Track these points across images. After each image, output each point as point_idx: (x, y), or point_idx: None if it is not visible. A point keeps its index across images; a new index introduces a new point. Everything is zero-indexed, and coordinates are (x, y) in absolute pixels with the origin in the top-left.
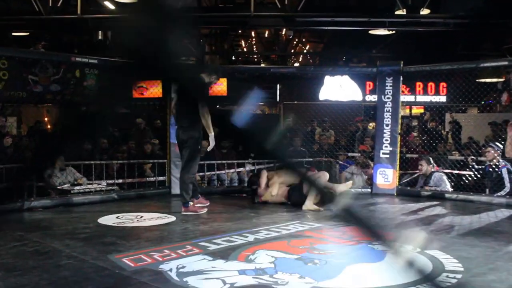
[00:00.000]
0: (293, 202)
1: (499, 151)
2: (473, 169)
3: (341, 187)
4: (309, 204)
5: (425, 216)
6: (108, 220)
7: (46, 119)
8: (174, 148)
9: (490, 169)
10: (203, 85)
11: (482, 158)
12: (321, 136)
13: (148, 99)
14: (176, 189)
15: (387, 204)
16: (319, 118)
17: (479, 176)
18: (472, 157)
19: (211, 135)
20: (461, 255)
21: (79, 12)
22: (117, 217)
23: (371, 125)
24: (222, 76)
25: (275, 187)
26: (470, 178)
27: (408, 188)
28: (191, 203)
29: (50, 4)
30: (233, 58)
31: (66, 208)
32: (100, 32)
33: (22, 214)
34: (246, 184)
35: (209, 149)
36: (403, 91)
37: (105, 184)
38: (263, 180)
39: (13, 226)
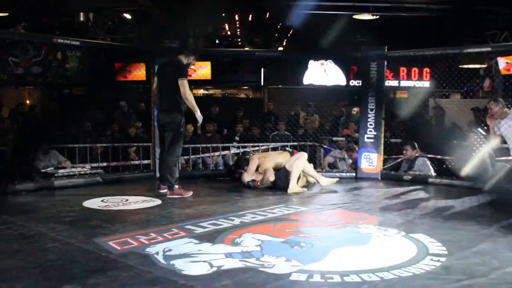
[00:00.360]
0: (279, 186)
1: (482, 136)
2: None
3: (324, 180)
4: (293, 186)
5: (409, 200)
6: (93, 203)
7: (27, 101)
8: (158, 131)
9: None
10: (181, 66)
11: (466, 143)
12: (305, 120)
13: (132, 82)
14: None
15: (372, 188)
16: (303, 102)
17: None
18: (455, 141)
19: (197, 113)
20: (445, 239)
21: None
22: (102, 201)
23: (355, 109)
24: (206, 59)
25: (271, 172)
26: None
27: (392, 172)
28: (176, 186)
29: None
30: (217, 41)
31: (50, 192)
32: (81, 13)
33: (5, 197)
34: (228, 167)
35: (198, 124)
36: (387, 76)
37: (89, 167)
38: (253, 167)
39: None
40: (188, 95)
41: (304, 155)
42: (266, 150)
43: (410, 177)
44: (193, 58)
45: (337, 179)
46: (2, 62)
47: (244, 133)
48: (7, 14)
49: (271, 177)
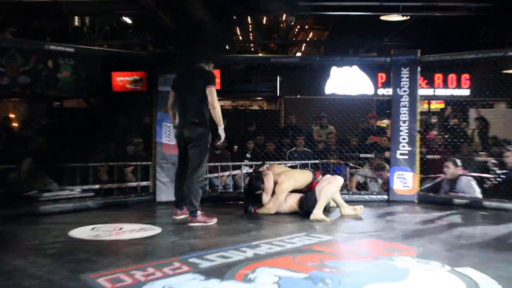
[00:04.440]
0: (305, 212)
1: None
2: (496, 174)
3: (347, 210)
4: (318, 213)
5: (453, 226)
6: (82, 232)
7: (12, 115)
8: (161, 148)
9: None
10: (208, 73)
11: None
12: (319, 133)
13: (132, 94)
14: (162, 196)
15: (407, 212)
16: (324, 114)
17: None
18: (493, 160)
19: (221, 128)
20: (500, 275)
21: None
22: (92, 229)
23: (385, 122)
24: (216, 67)
25: (282, 192)
26: (496, 183)
27: (431, 194)
28: (199, 212)
29: None
30: (227, 47)
31: (32, 219)
32: (76, 18)
33: None
34: (243, 190)
35: (219, 143)
36: (420, 84)
37: (79, 190)
38: (271, 184)
39: None
40: (217, 105)
41: (338, 180)
42: None
43: (452, 200)
44: (212, 66)
45: (362, 207)
46: None
47: (258, 149)
48: None
49: (291, 200)
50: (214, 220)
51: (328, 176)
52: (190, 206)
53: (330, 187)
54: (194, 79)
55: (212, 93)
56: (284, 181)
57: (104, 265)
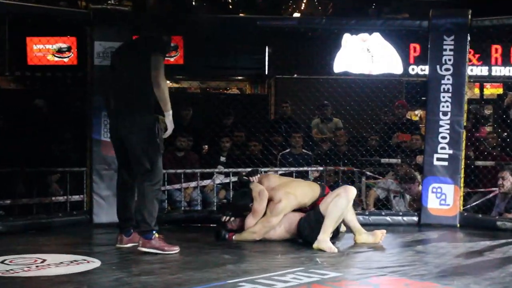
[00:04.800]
0: (306, 237)
1: None
2: None
3: (363, 236)
4: (324, 240)
5: (508, 261)
6: None
7: None
8: (99, 148)
9: None
10: (154, 37)
11: None
12: (320, 129)
13: (55, 68)
14: (101, 216)
15: (445, 241)
16: (328, 103)
17: None
18: None
19: (169, 113)
20: None
21: None
22: (2, 262)
23: (418, 113)
24: (176, 33)
25: (277, 214)
26: None
27: (479, 215)
28: (155, 234)
29: None
30: (193, 2)
31: None
32: None
33: None
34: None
35: (165, 135)
36: (470, 60)
37: None
38: (262, 207)
39: None
40: (162, 80)
41: (349, 192)
42: None
43: (509, 224)
44: (166, 38)
45: (384, 232)
46: None
47: (237, 150)
48: None
49: (286, 221)
50: (176, 249)
51: (339, 189)
52: (143, 224)
53: (338, 202)
54: (134, 47)
55: (156, 63)
56: (282, 199)
57: None
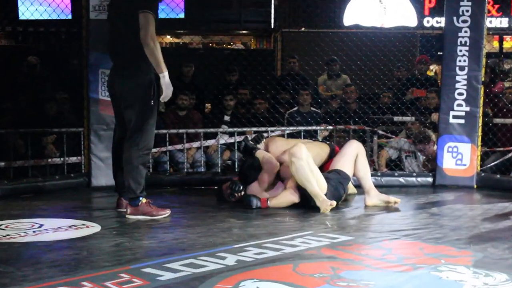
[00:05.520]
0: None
1: None
2: None
3: (375, 200)
4: (318, 204)
5: None
6: None
7: None
8: (97, 108)
9: None
10: None
11: None
12: (328, 86)
13: (46, 22)
14: (100, 179)
15: (462, 203)
16: (336, 58)
17: None
18: None
19: (164, 75)
20: None
21: None
22: None
23: (433, 68)
24: None
25: (303, 158)
26: None
27: (497, 176)
28: (143, 200)
29: None
30: None
31: None
32: None
33: None
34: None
35: (162, 99)
36: (489, 11)
37: None
38: (268, 177)
39: None
40: (151, 40)
41: (357, 145)
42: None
43: None
44: None
45: (398, 202)
46: None
47: (242, 109)
48: None
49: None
50: (166, 213)
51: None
52: (129, 191)
53: (293, 169)
54: (125, 1)
55: (144, 22)
56: (299, 145)
57: (17, 278)
